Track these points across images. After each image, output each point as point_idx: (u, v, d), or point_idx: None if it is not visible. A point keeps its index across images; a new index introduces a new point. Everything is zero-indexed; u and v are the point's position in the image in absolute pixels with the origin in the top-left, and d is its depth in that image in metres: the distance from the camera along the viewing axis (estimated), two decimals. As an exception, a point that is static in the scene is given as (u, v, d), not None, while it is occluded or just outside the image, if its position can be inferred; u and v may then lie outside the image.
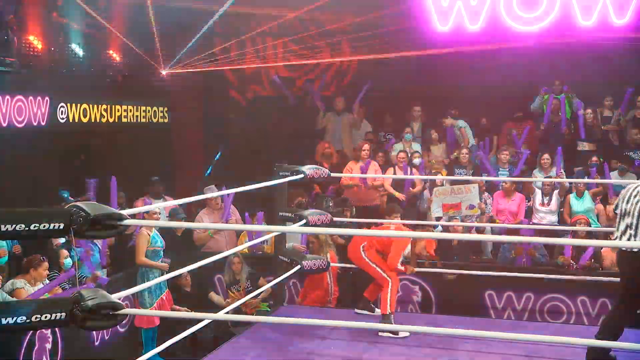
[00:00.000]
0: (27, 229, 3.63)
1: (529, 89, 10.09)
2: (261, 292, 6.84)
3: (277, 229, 6.11)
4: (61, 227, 3.69)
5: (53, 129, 8.78)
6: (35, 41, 8.80)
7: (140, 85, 10.91)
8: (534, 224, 8.34)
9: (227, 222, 8.34)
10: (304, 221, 6.51)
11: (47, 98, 8.87)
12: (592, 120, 9.52)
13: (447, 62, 10.30)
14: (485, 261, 8.05)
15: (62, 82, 9.12)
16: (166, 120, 11.58)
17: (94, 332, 5.74)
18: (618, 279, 6.47)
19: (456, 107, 10.29)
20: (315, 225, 6.59)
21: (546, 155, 8.93)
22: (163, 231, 7.71)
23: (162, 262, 7.19)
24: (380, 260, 6.09)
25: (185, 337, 5.13)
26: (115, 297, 3.93)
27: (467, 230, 8.02)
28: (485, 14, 10.18)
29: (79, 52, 9.53)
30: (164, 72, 11.52)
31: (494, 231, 8.27)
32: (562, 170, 8.86)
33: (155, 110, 11.26)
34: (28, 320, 3.67)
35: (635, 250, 5.04)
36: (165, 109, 11.59)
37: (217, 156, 9.74)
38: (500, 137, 10.12)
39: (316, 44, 11.75)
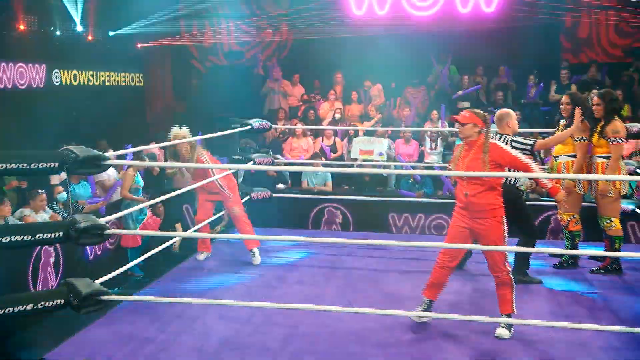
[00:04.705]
0: (28, 167, 3.55)
1: (424, 60, 10.30)
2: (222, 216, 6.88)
3: (232, 166, 6.14)
4: (56, 165, 3.62)
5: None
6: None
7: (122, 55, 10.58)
8: (425, 163, 8.55)
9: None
10: (252, 162, 6.59)
11: (43, 65, 8.55)
12: (469, 84, 9.81)
13: (363, 39, 10.42)
14: (389, 191, 8.25)
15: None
16: (141, 84, 11.26)
17: (87, 248, 5.66)
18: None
19: (373, 74, 10.36)
20: (261, 164, 6.66)
21: (435, 111, 9.12)
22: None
23: (142, 197, 7.04)
24: None
25: (159, 251, 5.17)
26: (103, 220, 3.91)
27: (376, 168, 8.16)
28: (390, 2, 10.31)
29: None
30: (139, 46, 11.14)
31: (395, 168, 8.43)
32: (445, 122, 9.06)
33: (132, 76, 10.93)
34: (33, 238, 3.64)
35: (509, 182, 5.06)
36: (141, 75, 11.25)
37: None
38: (402, 98, 10.25)
39: (261, 25, 11.55)
